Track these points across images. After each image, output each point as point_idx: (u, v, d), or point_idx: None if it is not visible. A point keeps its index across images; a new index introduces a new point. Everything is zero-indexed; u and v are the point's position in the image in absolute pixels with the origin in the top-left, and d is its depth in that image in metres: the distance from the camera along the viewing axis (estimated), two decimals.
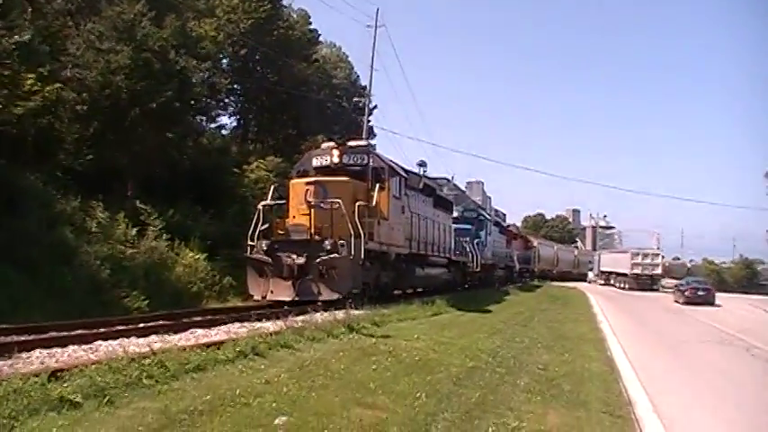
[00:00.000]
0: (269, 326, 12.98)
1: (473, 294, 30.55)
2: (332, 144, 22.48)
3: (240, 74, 35.93)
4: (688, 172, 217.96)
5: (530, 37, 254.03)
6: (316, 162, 21.79)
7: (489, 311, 23.22)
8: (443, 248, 29.00)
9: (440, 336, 14.42)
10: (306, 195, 19.16)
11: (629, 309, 33.69)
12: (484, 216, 42.10)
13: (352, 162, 21.47)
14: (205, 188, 26.60)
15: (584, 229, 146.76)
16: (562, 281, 71.54)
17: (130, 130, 23.34)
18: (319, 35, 45.60)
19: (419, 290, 26.81)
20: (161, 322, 13.49)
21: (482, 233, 38.83)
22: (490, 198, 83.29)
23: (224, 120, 41.48)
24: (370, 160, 21.49)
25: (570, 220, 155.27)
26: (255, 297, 18.70)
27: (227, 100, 38.96)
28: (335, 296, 17.80)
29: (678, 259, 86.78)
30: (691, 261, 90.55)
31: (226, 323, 13.67)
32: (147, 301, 17.60)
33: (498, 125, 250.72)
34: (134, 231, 20.89)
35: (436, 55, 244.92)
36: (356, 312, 15.75)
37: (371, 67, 36.99)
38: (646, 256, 60.01)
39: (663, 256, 63.69)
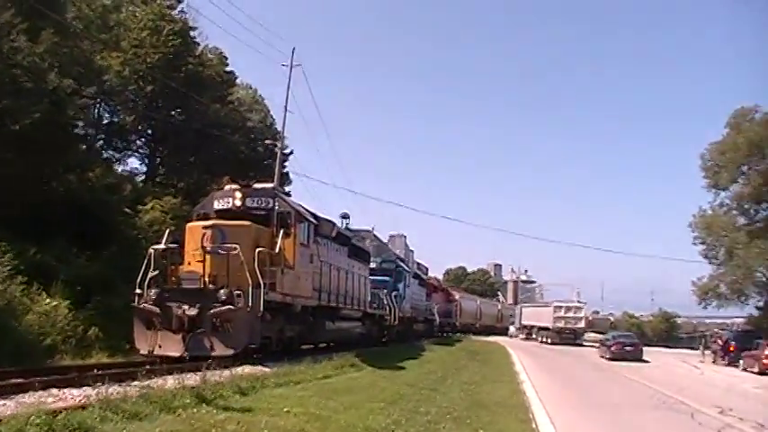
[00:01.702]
0: (89, 393, 10.02)
1: (387, 350, 28.87)
2: (235, 186, 21.04)
3: (146, 112, 33.77)
4: (608, 224, 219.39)
5: (450, 76, 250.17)
6: (217, 204, 20.27)
7: (400, 369, 21.42)
8: (358, 300, 27.65)
9: (322, 407, 11.74)
10: (202, 240, 17.62)
11: (554, 366, 32.26)
12: (402, 268, 40.79)
13: (255, 205, 20.07)
14: (86, 227, 23.82)
15: (506, 282, 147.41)
16: (486, 335, 70.63)
17: None
18: (236, 77, 44.01)
19: (331, 344, 24.89)
20: None
21: (400, 285, 37.73)
22: (413, 251, 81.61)
23: (133, 161, 39.42)
24: (276, 204, 20.02)
25: (492, 273, 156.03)
26: (142, 352, 16.73)
27: (135, 139, 36.95)
28: (230, 352, 16.29)
29: (598, 313, 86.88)
30: (610, 314, 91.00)
31: (41, 388, 10.31)
32: None
33: (419, 174, 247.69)
34: None
35: (356, 98, 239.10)
36: (221, 374, 13.51)
37: (285, 107, 34.97)
38: (569, 309, 58.58)
39: (586, 310, 62.94)
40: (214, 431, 8.64)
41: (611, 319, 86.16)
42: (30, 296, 18.44)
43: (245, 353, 16.75)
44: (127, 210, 27.03)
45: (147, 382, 11.56)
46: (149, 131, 36.39)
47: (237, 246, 16.93)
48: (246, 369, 15.71)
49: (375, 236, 51.67)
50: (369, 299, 29.84)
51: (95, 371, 12.36)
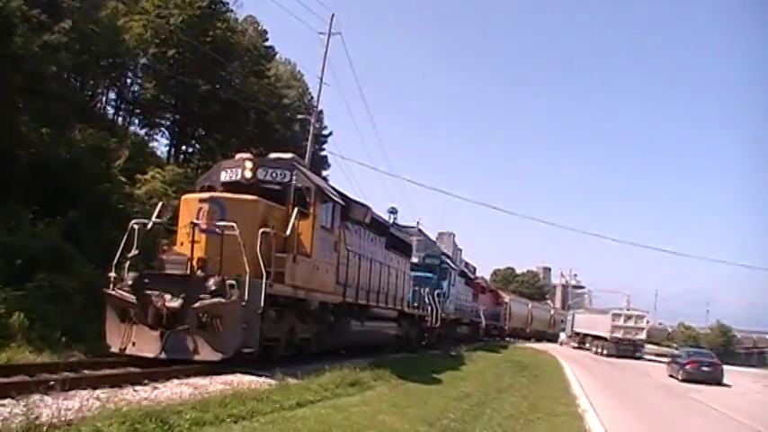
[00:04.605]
0: None
1: (418, 359, 24.78)
2: (246, 155, 17.62)
3: (170, 77, 30.62)
4: (663, 232, 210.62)
5: (510, 67, 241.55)
6: (224, 176, 17.04)
7: (426, 387, 17.09)
8: (394, 298, 24.25)
9: None
10: (197, 215, 14.43)
11: (619, 387, 27.21)
12: (448, 264, 37.21)
13: (269, 179, 16.77)
14: (52, 192, 20.10)
15: (555, 287, 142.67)
16: (536, 341, 68.87)
17: None
18: (275, 53, 40.97)
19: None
20: None
21: (445, 283, 34.56)
22: (461, 250, 77.90)
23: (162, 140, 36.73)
24: (294, 178, 16.55)
25: (541, 276, 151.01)
26: (113, 349, 13.64)
27: (159, 113, 34.06)
28: (217, 356, 13.05)
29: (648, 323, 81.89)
30: (659, 323, 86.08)
31: None
32: None
33: (468, 168, 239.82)
34: None
35: (404, 83, 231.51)
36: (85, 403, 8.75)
37: (321, 79, 31.24)
38: (629, 318, 52.75)
39: (648, 320, 57.47)
40: None
41: (669, 330, 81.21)
42: None
43: (239, 357, 13.46)
44: (122, 179, 23.46)
45: None
46: (174, 103, 33.16)
47: (235, 224, 13.66)
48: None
49: (421, 230, 48.36)
50: (408, 297, 26.63)
51: None
